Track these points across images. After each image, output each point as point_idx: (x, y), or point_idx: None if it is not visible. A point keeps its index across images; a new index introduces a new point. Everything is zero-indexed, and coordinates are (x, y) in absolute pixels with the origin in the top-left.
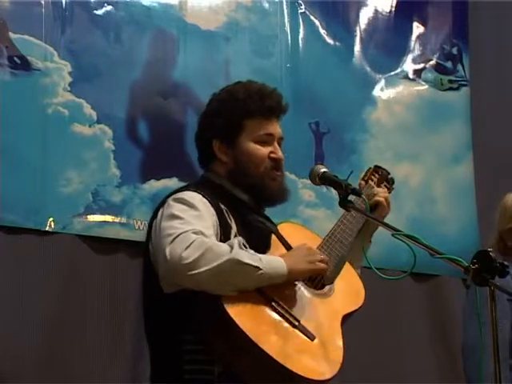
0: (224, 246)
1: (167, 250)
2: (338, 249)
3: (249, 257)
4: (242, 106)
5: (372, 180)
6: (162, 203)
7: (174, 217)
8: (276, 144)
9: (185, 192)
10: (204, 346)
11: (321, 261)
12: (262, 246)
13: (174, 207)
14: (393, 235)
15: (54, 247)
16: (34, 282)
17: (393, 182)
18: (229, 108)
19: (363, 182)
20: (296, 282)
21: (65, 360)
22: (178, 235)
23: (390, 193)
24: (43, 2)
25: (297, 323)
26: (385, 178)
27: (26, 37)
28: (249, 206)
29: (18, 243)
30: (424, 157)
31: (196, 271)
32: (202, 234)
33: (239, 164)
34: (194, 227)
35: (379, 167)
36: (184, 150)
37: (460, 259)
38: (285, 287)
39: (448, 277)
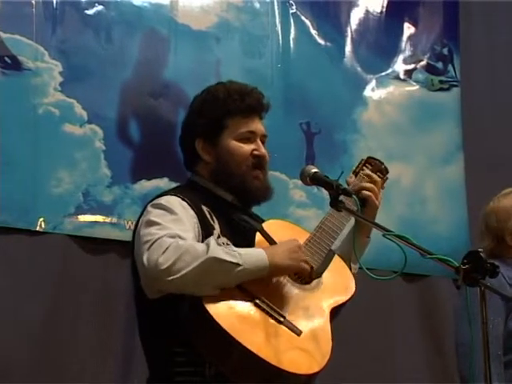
0: (201, 246)
1: (144, 258)
2: (327, 242)
3: (227, 253)
4: (222, 105)
5: (364, 171)
6: (143, 210)
7: (151, 223)
8: (259, 141)
9: (163, 197)
10: (195, 349)
11: (305, 260)
12: (246, 245)
13: (152, 213)
14: (383, 235)
15: (44, 247)
16: (24, 282)
17: (387, 172)
18: (210, 107)
19: (353, 176)
20: (282, 278)
21: (56, 359)
22: (155, 241)
23: (384, 183)
24: (34, 2)
25: (282, 319)
26: (378, 169)
27: (17, 36)
28: (233, 206)
29: (8, 243)
30: (415, 157)
31: (175, 276)
32: (179, 236)
33: (222, 163)
34: (170, 231)
35: (372, 158)
36: (175, 150)
37: (450, 259)
38: (270, 283)
39: (439, 277)
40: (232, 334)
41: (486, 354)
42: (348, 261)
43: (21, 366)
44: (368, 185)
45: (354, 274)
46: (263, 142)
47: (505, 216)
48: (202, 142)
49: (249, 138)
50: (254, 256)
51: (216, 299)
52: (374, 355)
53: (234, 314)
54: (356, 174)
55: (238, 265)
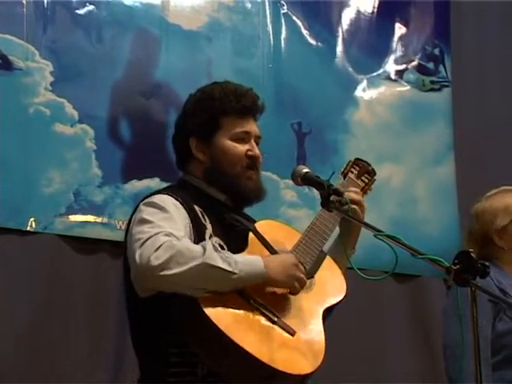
0: (196, 249)
1: (137, 255)
2: (318, 242)
3: (223, 260)
4: (218, 105)
5: (352, 173)
6: (135, 208)
7: (143, 221)
8: (253, 142)
9: (156, 195)
10: (187, 349)
11: (299, 279)
12: (239, 245)
13: (144, 211)
14: (374, 235)
15: (35, 247)
16: (15, 282)
17: (374, 174)
18: (205, 107)
19: (342, 177)
20: None
21: (47, 360)
22: (148, 239)
23: (371, 184)
24: (24, 2)
25: (276, 319)
26: (365, 171)
27: (8, 36)
28: (226, 206)
29: None
30: (406, 157)
31: (166, 273)
32: (173, 235)
33: (215, 162)
34: (163, 229)
35: (359, 160)
36: (166, 150)
37: (441, 260)
38: (264, 284)
39: (430, 277)
40: (228, 334)
41: (476, 354)
42: None
43: (11, 366)
44: (356, 197)
45: (344, 274)
46: (257, 144)
47: (490, 217)
48: (196, 140)
49: (243, 138)
50: (250, 266)
51: (212, 299)
52: (365, 355)
53: (229, 314)
54: (344, 175)
55: (232, 273)
